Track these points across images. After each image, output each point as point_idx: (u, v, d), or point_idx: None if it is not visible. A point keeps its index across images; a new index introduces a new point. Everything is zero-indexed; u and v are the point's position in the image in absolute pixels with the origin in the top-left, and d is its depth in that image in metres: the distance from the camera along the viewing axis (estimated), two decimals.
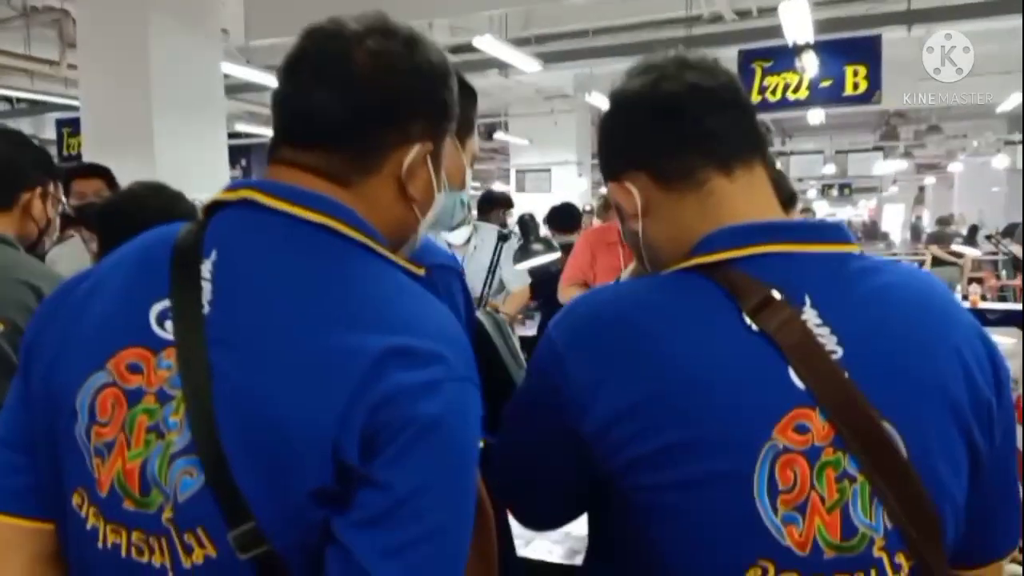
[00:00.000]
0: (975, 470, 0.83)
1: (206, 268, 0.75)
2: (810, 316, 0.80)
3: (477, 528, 1.10)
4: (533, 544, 1.79)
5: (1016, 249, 6.84)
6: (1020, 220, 8.20)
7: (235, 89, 7.27)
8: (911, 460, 0.77)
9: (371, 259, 0.79)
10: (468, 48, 6.60)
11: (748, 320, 0.79)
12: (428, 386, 0.71)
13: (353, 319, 0.72)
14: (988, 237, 5.58)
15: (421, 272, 0.84)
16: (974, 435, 0.82)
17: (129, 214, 1.45)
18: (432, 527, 0.70)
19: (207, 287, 0.74)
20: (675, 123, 0.87)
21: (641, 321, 0.82)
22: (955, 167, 16.68)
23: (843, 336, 0.79)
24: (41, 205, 1.81)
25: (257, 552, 0.69)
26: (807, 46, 5.87)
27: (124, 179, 1.58)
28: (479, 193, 5.15)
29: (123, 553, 0.74)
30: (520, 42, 7.34)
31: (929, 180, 20.37)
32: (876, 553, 0.78)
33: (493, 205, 4.98)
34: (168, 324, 0.74)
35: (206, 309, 0.73)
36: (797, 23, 5.45)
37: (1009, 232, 8.22)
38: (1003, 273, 8.94)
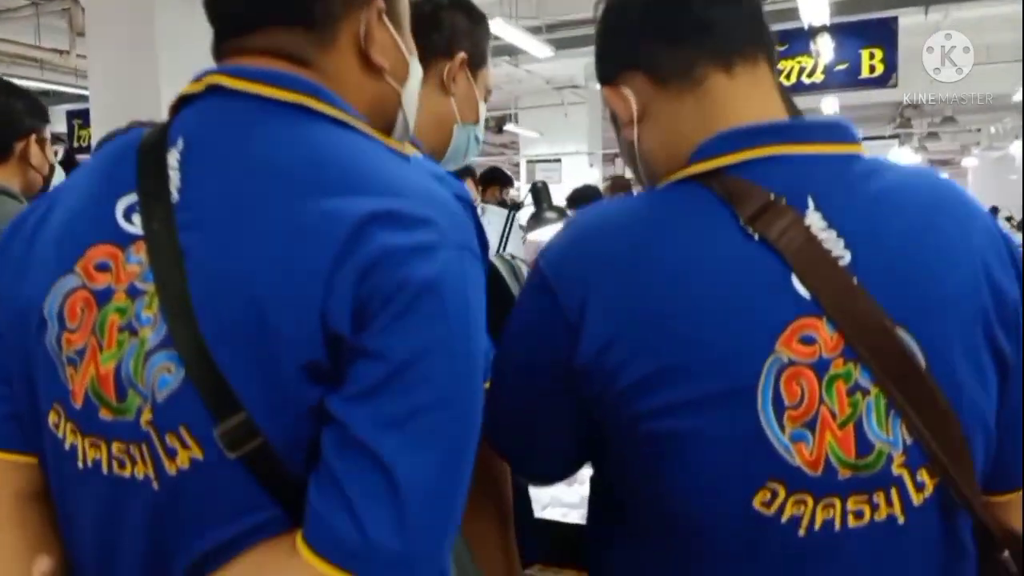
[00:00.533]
0: (1004, 381, 0.77)
1: (173, 157, 0.70)
2: (814, 220, 0.74)
3: (487, 467, 1.05)
4: (548, 510, 1.75)
5: None
6: None
7: None
8: (930, 369, 0.72)
9: (349, 133, 0.73)
10: None
11: (747, 227, 0.73)
12: (419, 249, 0.65)
13: (331, 186, 0.66)
14: (1008, 219, 5.51)
15: (410, 152, 0.78)
16: (1000, 342, 0.75)
17: None
18: (435, 396, 0.64)
19: (175, 176, 0.69)
20: (673, 13, 0.81)
21: (630, 237, 0.77)
22: (969, 162, 16.51)
23: (851, 240, 0.74)
24: (39, 151, 1.79)
25: (248, 448, 0.63)
26: (822, 28, 5.79)
27: None
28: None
29: (104, 469, 0.68)
30: (531, 31, 7.28)
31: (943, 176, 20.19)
32: (896, 470, 0.72)
33: (493, 182, 4.99)
34: (136, 218, 0.69)
35: (175, 197, 0.68)
36: (813, 4, 5.38)
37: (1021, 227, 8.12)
38: None
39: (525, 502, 1.29)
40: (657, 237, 0.76)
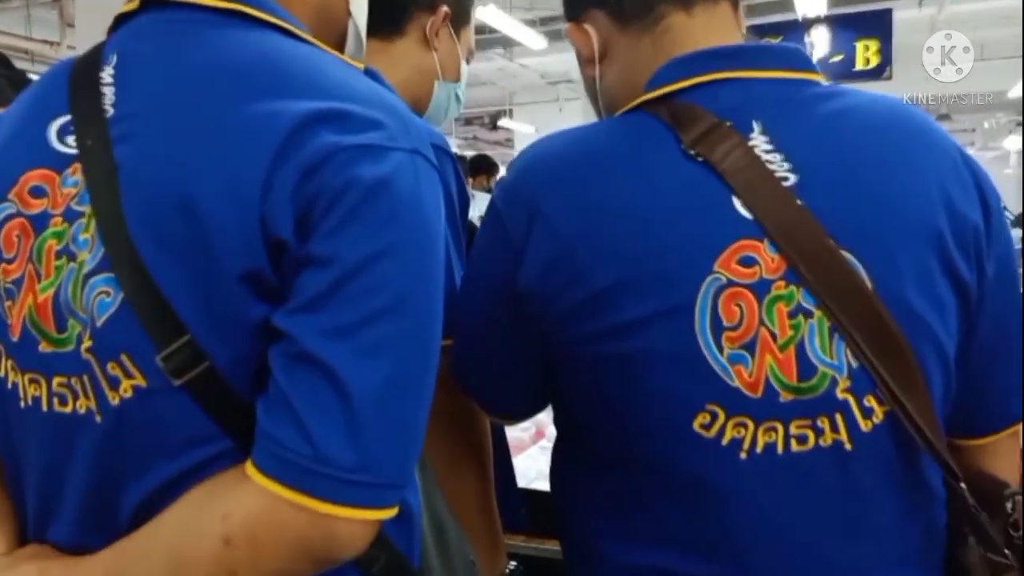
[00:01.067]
0: (966, 312, 0.74)
1: (107, 73, 0.66)
2: (759, 142, 0.72)
3: (466, 423, 1.03)
4: (535, 483, 1.73)
5: None
6: None
7: None
8: (877, 293, 0.69)
9: (291, 40, 0.68)
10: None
11: (690, 150, 0.72)
12: (368, 149, 0.61)
13: (270, 88, 0.62)
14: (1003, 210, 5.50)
15: (360, 66, 0.74)
16: (958, 267, 0.73)
17: None
18: (389, 302, 0.60)
19: (109, 92, 0.65)
20: None
21: (575, 163, 0.76)
22: None
23: (798, 162, 0.72)
24: None
25: (194, 374, 0.59)
26: (818, 20, 5.80)
27: None
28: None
29: (44, 406, 0.64)
30: (526, 24, 7.29)
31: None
32: (840, 395, 0.70)
33: (480, 170, 5.07)
34: (70, 138, 0.65)
35: (109, 113, 0.64)
36: None
37: (1018, 223, 8.13)
38: None
39: (509, 472, 1.27)
40: (601, 162, 0.75)
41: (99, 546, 0.63)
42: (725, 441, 0.70)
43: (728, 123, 0.73)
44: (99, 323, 0.61)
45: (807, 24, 5.91)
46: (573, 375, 0.77)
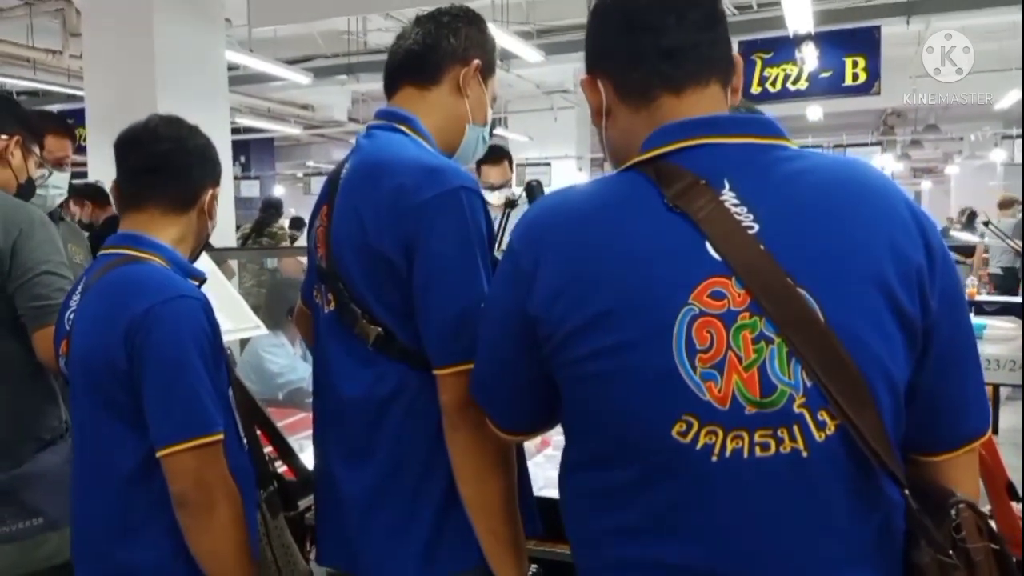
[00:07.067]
0: (913, 342, 0.85)
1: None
2: (728, 197, 0.86)
3: (492, 433, 1.13)
4: (543, 491, 1.81)
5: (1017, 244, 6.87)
6: (1019, 217, 8.24)
7: (235, 82, 7.28)
8: (828, 323, 0.81)
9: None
10: None
11: (670, 203, 0.85)
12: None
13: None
14: (986, 223, 5.59)
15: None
16: (901, 302, 0.84)
17: (143, 143, 1.42)
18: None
19: None
20: (639, 39, 0.93)
21: (575, 210, 0.92)
22: (951, 170, 16.71)
23: (760, 214, 0.85)
24: (21, 156, 1.82)
25: None
26: (807, 37, 5.90)
27: None
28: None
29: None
30: (522, 36, 7.36)
31: (925, 184, 20.38)
32: (796, 409, 0.82)
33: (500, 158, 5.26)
34: None
35: None
36: (798, 12, 5.49)
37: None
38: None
39: (525, 480, 1.36)
40: (597, 212, 0.90)
41: None
42: (699, 446, 0.83)
43: (703, 181, 0.86)
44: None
45: (797, 40, 6.02)
46: (572, 390, 0.90)
